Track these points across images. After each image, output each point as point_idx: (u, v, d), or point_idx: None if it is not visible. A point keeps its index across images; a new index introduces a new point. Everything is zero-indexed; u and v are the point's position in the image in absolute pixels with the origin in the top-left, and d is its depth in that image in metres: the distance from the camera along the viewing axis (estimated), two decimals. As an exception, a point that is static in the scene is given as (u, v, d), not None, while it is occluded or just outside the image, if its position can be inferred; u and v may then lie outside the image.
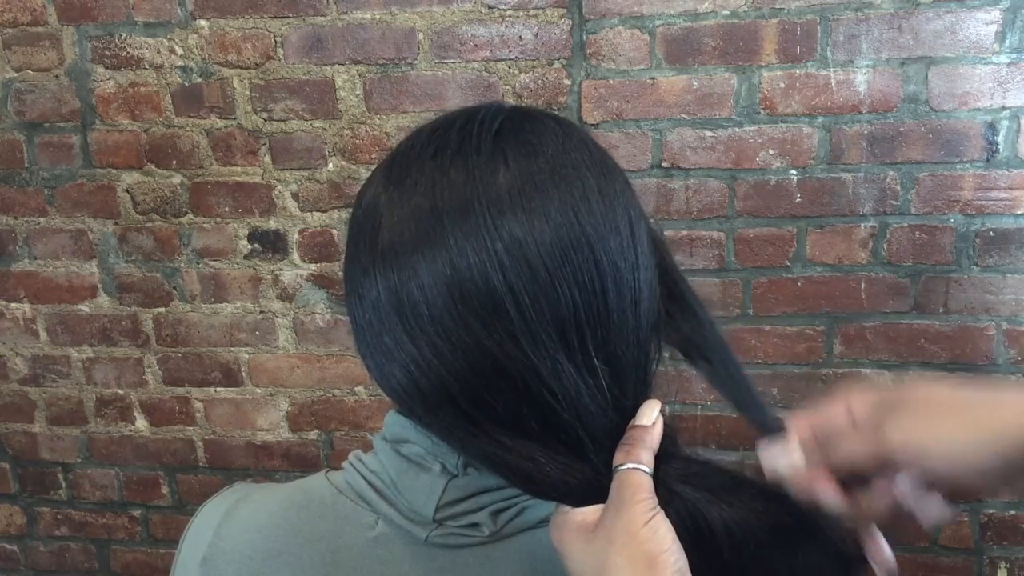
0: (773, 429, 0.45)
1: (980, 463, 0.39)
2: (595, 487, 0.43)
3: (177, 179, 1.50)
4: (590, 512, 0.42)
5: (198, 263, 1.53)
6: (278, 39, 1.41)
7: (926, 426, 0.39)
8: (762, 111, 1.34)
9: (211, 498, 0.54)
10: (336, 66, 1.41)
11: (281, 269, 1.52)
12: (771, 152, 1.36)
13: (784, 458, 0.44)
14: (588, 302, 0.42)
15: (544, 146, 0.43)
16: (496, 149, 0.43)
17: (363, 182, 0.48)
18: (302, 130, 1.44)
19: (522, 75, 1.38)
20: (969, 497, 0.38)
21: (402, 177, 0.44)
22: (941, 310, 1.38)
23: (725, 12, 1.31)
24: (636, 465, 0.41)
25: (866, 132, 1.33)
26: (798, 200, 1.37)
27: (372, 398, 1.56)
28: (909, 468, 0.40)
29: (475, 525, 0.48)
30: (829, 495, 0.43)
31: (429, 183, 0.42)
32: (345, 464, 0.53)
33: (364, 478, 0.51)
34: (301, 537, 0.49)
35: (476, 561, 0.48)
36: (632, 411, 0.44)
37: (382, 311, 0.43)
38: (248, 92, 1.44)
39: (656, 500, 0.40)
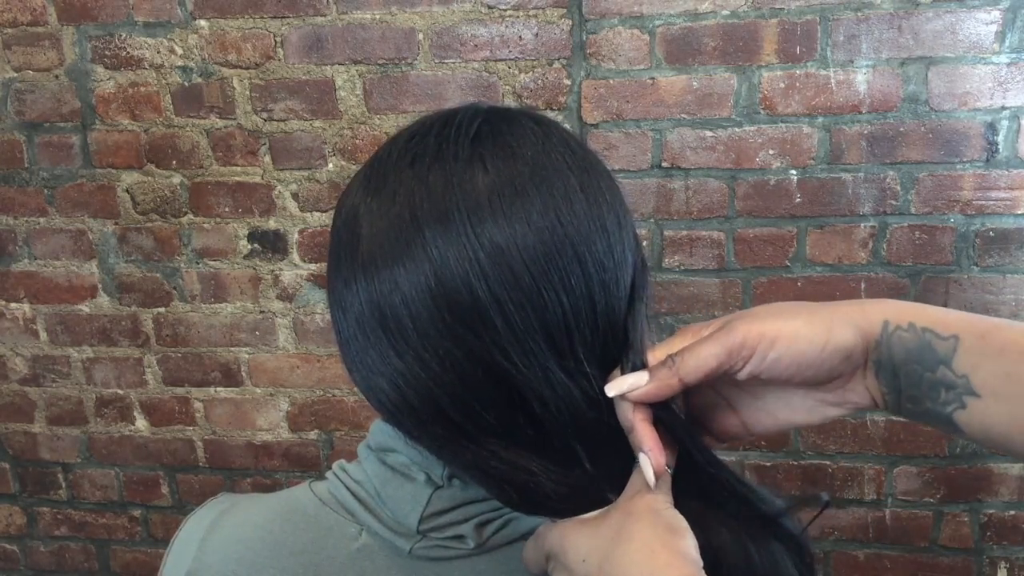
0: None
1: (821, 354, 0.40)
2: (590, 499, 0.42)
3: (177, 179, 1.50)
4: (591, 514, 0.42)
5: (198, 263, 1.53)
6: (278, 39, 1.41)
7: (774, 321, 0.41)
8: (762, 111, 1.34)
9: (196, 510, 0.53)
10: (336, 66, 1.41)
11: (281, 269, 1.52)
12: (771, 152, 1.36)
13: (630, 380, 0.42)
14: (576, 307, 0.41)
15: (523, 148, 0.43)
16: (474, 154, 0.42)
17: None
18: (302, 130, 1.44)
19: (522, 75, 1.38)
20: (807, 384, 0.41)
21: (380, 186, 0.43)
22: (941, 310, 1.38)
23: (725, 12, 1.31)
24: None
25: (866, 132, 1.33)
26: (798, 200, 1.37)
27: (372, 398, 1.56)
28: (754, 360, 0.40)
29: (460, 537, 0.48)
30: (646, 435, 0.41)
31: (408, 192, 0.41)
32: (329, 474, 0.53)
33: (347, 488, 0.50)
34: (284, 549, 0.49)
35: (460, 574, 0.48)
36: None
37: (366, 325, 0.42)
38: (248, 92, 1.44)
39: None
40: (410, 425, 0.43)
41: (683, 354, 0.41)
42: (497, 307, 0.39)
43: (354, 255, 0.42)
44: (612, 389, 0.42)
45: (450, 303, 0.40)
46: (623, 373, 0.43)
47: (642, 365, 0.42)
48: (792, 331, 0.40)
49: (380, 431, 0.50)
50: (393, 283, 0.41)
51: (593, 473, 0.43)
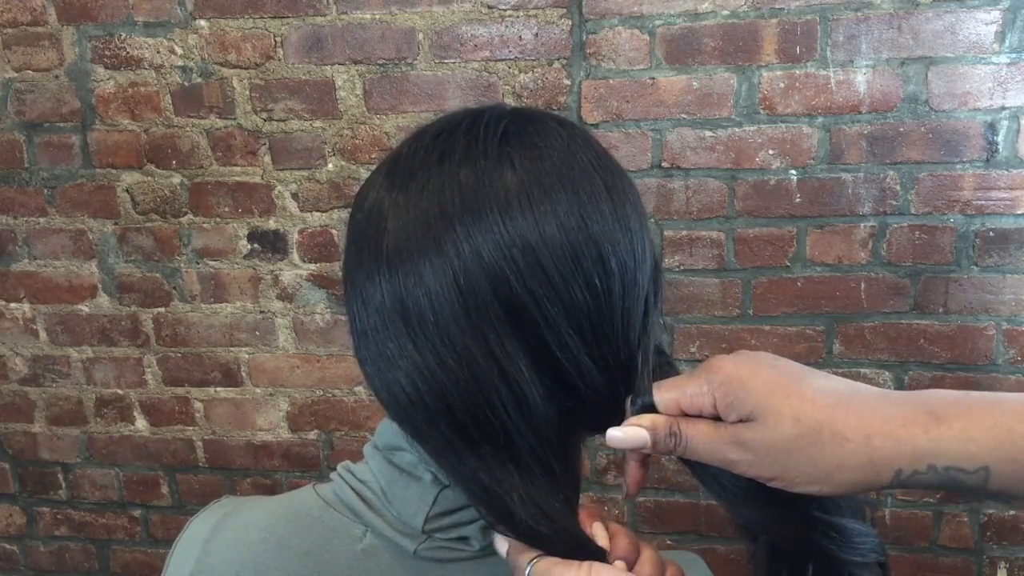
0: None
1: (820, 489, 0.39)
2: (559, 536, 0.41)
3: (177, 179, 1.50)
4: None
5: (198, 263, 1.53)
6: (278, 39, 1.41)
7: (776, 458, 0.39)
8: (762, 111, 1.34)
9: (198, 514, 0.53)
10: (336, 66, 1.41)
11: (281, 269, 1.52)
12: (771, 152, 1.36)
13: (631, 436, 0.42)
14: (598, 303, 0.42)
15: (549, 148, 0.43)
16: (503, 153, 0.43)
17: (363, 182, 0.48)
18: (302, 130, 1.44)
19: (522, 75, 1.38)
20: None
21: (407, 181, 0.43)
22: (941, 310, 1.38)
23: (725, 12, 1.31)
24: (545, 557, 0.40)
25: (866, 132, 1.33)
26: (798, 200, 1.37)
27: (372, 398, 1.55)
28: (752, 473, 0.40)
29: (464, 539, 0.48)
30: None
31: (437, 188, 0.42)
32: (333, 475, 0.53)
33: (353, 489, 0.50)
34: (289, 551, 0.49)
35: None
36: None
37: (386, 317, 0.42)
38: (248, 92, 1.44)
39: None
40: (420, 421, 0.43)
41: (692, 436, 0.41)
42: (532, 301, 0.40)
43: (379, 249, 0.43)
44: (613, 441, 0.42)
45: (477, 298, 0.40)
46: (631, 409, 0.43)
47: (650, 405, 0.43)
48: (792, 476, 0.39)
49: (388, 430, 0.50)
50: (418, 276, 0.41)
51: (575, 506, 0.43)
